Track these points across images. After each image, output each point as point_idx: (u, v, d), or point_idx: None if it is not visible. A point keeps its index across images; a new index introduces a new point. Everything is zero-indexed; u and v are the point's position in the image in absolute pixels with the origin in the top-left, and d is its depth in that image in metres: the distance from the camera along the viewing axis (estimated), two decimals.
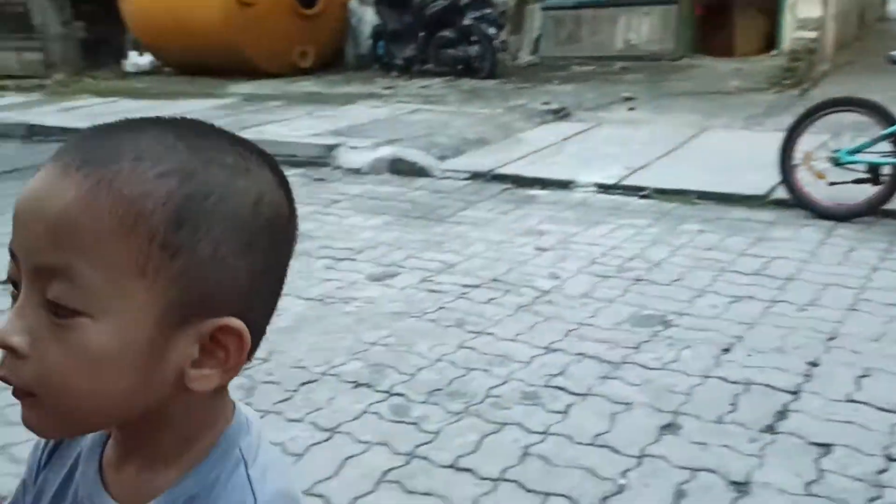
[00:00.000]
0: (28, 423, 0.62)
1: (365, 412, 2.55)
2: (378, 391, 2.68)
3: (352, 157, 5.86)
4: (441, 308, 3.32)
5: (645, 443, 2.32)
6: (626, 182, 5.04)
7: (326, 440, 2.42)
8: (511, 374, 2.74)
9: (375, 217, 4.68)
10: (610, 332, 3.05)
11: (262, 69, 10.01)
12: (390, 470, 2.25)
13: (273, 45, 9.98)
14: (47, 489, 0.73)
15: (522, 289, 3.50)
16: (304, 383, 2.76)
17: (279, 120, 7.15)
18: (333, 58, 10.92)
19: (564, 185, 5.11)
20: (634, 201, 4.80)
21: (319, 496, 2.15)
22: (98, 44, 12.07)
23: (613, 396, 2.58)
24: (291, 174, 5.78)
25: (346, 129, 6.61)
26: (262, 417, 2.20)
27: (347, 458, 2.31)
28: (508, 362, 2.83)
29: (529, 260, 3.86)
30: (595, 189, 5.02)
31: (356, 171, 5.72)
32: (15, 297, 0.61)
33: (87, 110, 8.39)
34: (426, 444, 2.36)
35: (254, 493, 0.66)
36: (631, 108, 7.31)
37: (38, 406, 0.60)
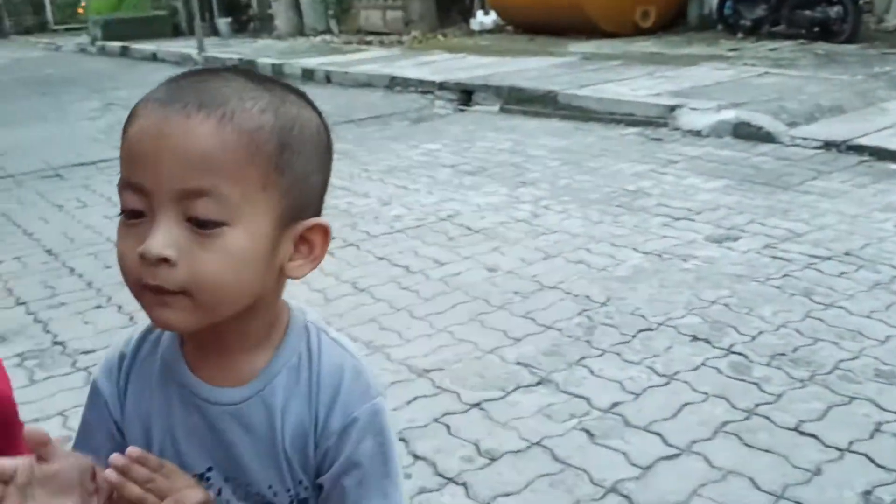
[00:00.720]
0: (166, 322, 0.76)
1: (703, 365, 2.59)
2: (717, 347, 2.69)
3: (692, 118, 5.75)
4: (786, 276, 3.21)
5: None
6: None
7: (664, 385, 2.49)
8: (863, 350, 2.60)
9: (715, 180, 4.59)
10: None
11: (602, 29, 10.08)
12: (729, 422, 2.27)
13: (615, 4, 10.00)
14: (140, 403, 0.87)
15: (880, 266, 3.25)
16: (641, 330, 2.85)
17: (618, 79, 7.20)
18: (675, 18, 10.67)
19: None
20: None
21: (656, 434, 2.25)
22: (450, 3, 12.95)
23: None
24: (628, 133, 5.87)
25: (688, 90, 6.48)
26: (600, 355, 2.33)
27: (685, 405, 2.37)
28: (861, 338, 2.68)
29: (889, 237, 3.56)
30: None
31: (696, 133, 5.61)
32: (130, 225, 0.74)
33: (440, 65, 9.08)
34: (767, 404, 2.35)
35: (344, 348, 0.87)
36: None
37: (185, 303, 0.74)
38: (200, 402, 0.84)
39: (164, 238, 0.72)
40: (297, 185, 0.78)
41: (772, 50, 8.39)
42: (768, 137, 5.30)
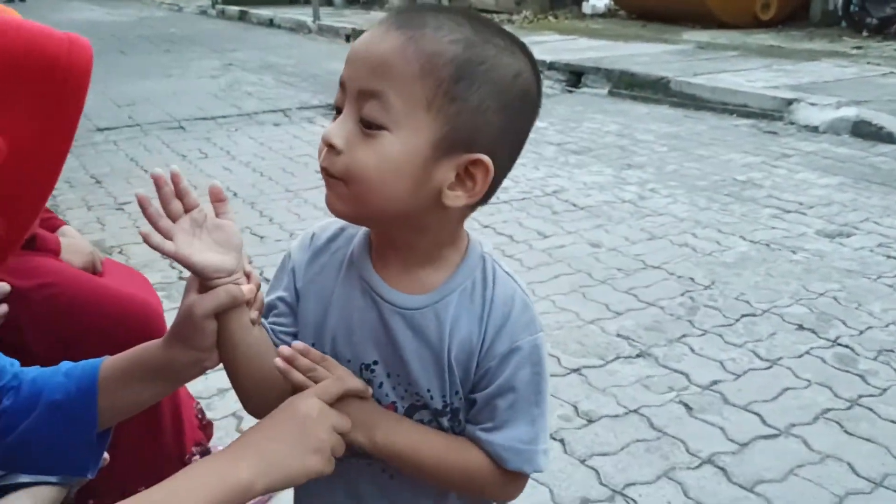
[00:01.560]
0: (330, 205, 0.86)
1: (807, 353, 2.58)
2: (822, 338, 2.67)
3: (809, 113, 5.60)
4: None
5: None
6: None
7: (765, 368, 2.50)
8: None
9: (829, 176, 4.48)
10: None
11: (720, 18, 9.85)
12: (830, 410, 2.27)
13: None
14: (323, 283, 0.96)
15: None
16: (745, 315, 2.85)
17: (734, 70, 7.05)
18: (796, 12, 10.32)
19: None
20: None
21: (755, 414, 2.27)
22: None
23: None
24: (740, 124, 5.77)
25: (806, 85, 6.31)
26: (702, 335, 2.36)
27: (786, 389, 2.38)
28: None
29: None
30: None
31: (812, 129, 5.47)
32: (334, 119, 0.85)
33: (549, 45, 9.06)
34: (871, 396, 2.33)
35: (516, 282, 0.94)
36: None
37: (341, 190, 0.84)
38: (378, 298, 0.93)
39: (339, 129, 0.83)
40: (467, 116, 0.82)
41: None
42: (889, 138, 5.12)
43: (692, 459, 2.08)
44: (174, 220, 0.91)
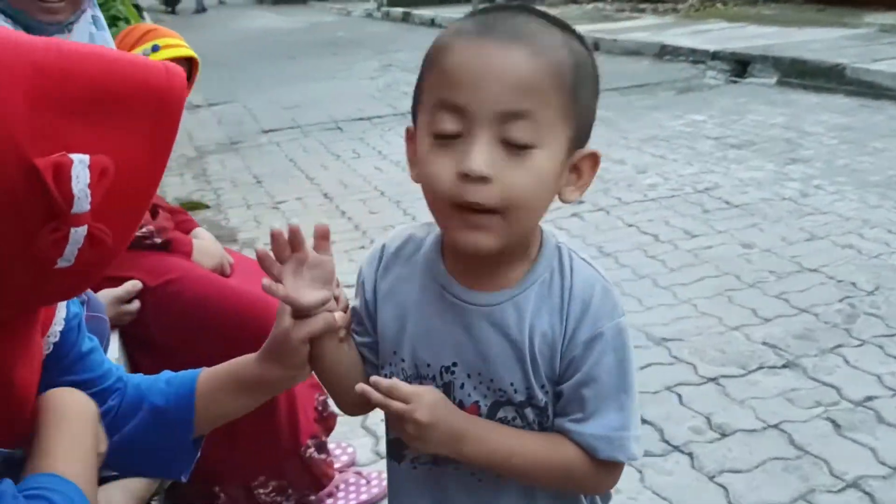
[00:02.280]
0: (475, 244, 0.83)
1: None
2: None
3: None
4: None
5: None
6: None
7: None
8: None
9: None
10: None
11: None
12: None
13: None
14: (398, 292, 0.96)
15: None
16: None
17: None
18: None
19: None
20: None
21: None
22: None
23: None
24: None
25: None
26: (859, 346, 2.16)
27: None
28: None
29: None
30: None
31: None
32: (444, 146, 0.81)
33: (716, 34, 8.65)
34: None
35: (595, 269, 0.93)
36: None
37: (495, 222, 0.81)
38: (456, 301, 0.93)
39: (485, 157, 0.79)
40: (583, 114, 0.86)
41: None
42: None
43: (835, 482, 1.91)
44: (283, 262, 0.93)
